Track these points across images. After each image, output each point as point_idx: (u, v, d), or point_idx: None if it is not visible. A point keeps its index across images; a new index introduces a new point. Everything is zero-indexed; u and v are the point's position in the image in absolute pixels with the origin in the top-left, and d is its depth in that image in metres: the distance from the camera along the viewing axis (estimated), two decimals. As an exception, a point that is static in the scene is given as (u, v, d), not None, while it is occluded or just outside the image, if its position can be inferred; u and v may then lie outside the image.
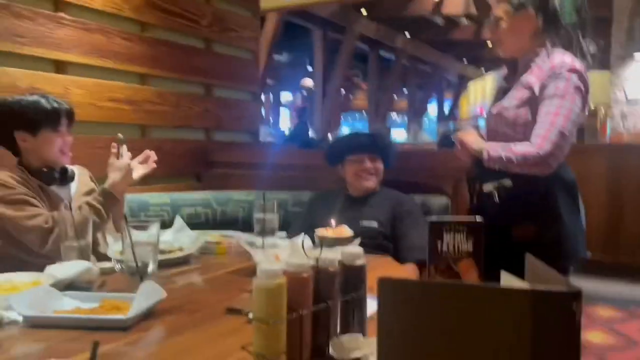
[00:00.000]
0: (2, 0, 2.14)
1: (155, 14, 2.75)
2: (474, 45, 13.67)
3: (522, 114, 1.66)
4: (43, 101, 1.72)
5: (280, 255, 1.48)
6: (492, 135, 1.78)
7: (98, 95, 2.48)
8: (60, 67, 2.34)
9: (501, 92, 1.80)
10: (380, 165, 2.15)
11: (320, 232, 1.66)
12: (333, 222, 1.66)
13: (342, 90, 16.43)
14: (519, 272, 0.67)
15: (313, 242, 1.62)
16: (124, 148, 1.77)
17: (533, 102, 1.65)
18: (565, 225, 1.65)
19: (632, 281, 4.20)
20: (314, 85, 10.39)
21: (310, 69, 12.69)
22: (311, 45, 10.22)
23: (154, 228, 1.38)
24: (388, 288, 0.46)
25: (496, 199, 1.68)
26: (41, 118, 1.71)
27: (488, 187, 1.71)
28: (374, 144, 2.18)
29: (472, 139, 1.77)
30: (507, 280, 0.50)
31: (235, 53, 3.30)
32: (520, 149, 1.61)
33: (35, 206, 1.66)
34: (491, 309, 0.43)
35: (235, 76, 3.28)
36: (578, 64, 1.64)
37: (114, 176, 1.73)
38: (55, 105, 1.74)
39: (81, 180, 1.87)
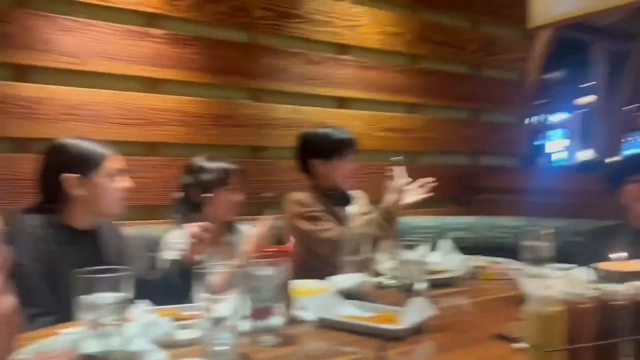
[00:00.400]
0: (297, 50, 2.56)
1: (424, 45, 2.90)
2: None
3: None
4: (335, 133, 2.03)
5: (553, 286, 1.39)
6: None
7: (373, 125, 2.73)
8: (341, 102, 2.66)
9: None
10: None
11: (604, 265, 1.50)
12: (621, 255, 1.48)
13: (626, 107, 14.33)
14: None
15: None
16: (402, 170, 1.89)
17: None
18: None
19: None
20: (594, 102, 9.36)
21: (585, 85, 11.47)
22: (587, 60, 9.25)
23: (424, 248, 1.45)
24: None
25: None
26: (333, 147, 2.00)
27: None
28: None
29: None
30: None
31: (502, 76, 3.24)
32: None
33: (327, 222, 1.92)
34: None
35: (501, 99, 3.21)
36: None
37: (390, 197, 1.88)
38: (344, 136, 2.03)
39: (359, 203, 2.10)
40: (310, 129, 2.10)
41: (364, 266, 1.61)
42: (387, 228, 1.86)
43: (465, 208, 2.96)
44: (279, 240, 1.76)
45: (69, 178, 1.45)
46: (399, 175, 1.90)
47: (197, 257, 1.50)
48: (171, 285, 1.46)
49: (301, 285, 1.46)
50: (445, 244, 1.90)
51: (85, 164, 1.47)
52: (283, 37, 2.52)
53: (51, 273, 1.37)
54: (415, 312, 1.20)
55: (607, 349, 0.82)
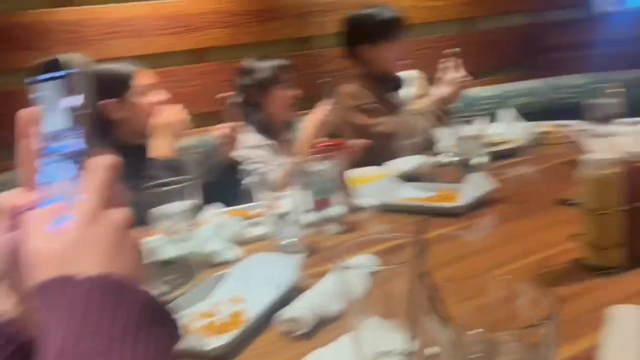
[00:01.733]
0: None
1: None
2: None
3: None
4: (379, 12, 1.90)
5: (621, 145, 1.33)
6: None
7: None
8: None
9: None
10: None
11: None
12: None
13: None
14: None
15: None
16: (457, 62, 1.81)
17: None
18: None
19: None
20: None
21: None
22: None
23: (481, 121, 1.42)
24: None
25: None
26: (378, 29, 1.89)
27: None
28: None
29: None
30: None
31: None
32: None
33: (381, 114, 1.87)
34: None
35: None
36: None
37: (444, 90, 1.81)
38: (389, 15, 1.90)
39: (416, 84, 2.03)
40: (354, 11, 1.98)
41: (422, 147, 1.60)
42: (442, 118, 1.81)
43: (529, 72, 2.79)
44: (334, 131, 1.78)
45: (106, 104, 1.48)
46: (454, 67, 1.81)
47: (233, 156, 1.55)
48: (226, 186, 1.53)
49: (359, 174, 1.50)
50: (507, 113, 1.84)
51: (116, 87, 1.49)
52: None
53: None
54: (475, 187, 1.20)
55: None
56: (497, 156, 1.60)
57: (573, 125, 1.80)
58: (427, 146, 1.65)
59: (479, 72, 2.70)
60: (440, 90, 1.83)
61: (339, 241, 1.10)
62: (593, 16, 3.06)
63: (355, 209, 1.26)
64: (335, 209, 1.17)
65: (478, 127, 1.44)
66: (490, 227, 1.14)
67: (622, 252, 0.79)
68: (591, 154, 0.82)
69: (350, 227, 1.17)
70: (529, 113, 2.29)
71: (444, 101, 1.81)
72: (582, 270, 0.81)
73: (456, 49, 1.81)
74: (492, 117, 2.04)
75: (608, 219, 0.77)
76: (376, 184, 1.33)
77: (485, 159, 1.41)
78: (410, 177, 1.44)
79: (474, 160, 1.39)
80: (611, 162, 0.78)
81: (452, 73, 1.81)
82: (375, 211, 1.26)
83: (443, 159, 1.62)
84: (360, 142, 1.60)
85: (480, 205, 1.19)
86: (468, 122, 1.43)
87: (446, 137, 1.65)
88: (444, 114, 1.81)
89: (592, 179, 0.79)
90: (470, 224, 1.12)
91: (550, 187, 1.31)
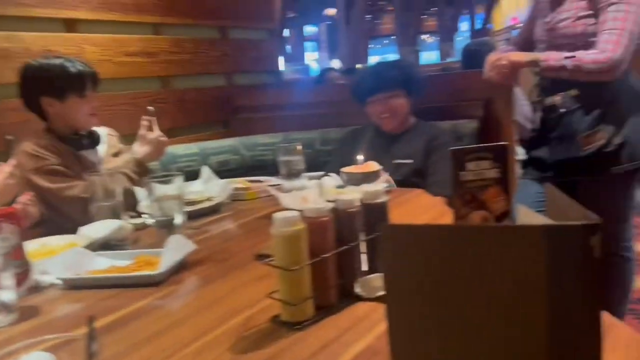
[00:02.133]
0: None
1: (160, -41, 2.65)
2: (503, -49, 12.82)
3: (582, 25, 1.70)
4: (68, 65, 1.68)
5: (308, 197, 1.47)
6: (546, 50, 1.79)
7: (113, 50, 2.45)
8: (71, 25, 2.31)
9: (551, 7, 1.82)
10: (398, 102, 2.02)
11: (348, 169, 1.64)
12: (360, 158, 1.63)
13: (369, 16, 15.86)
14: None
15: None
16: (154, 120, 1.74)
17: (592, 12, 1.68)
18: (633, 128, 1.69)
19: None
20: (337, 14, 10.03)
21: (331, -3, 12.23)
22: (330, -28, 9.79)
23: (178, 180, 1.38)
24: (392, 234, 0.43)
25: (562, 109, 1.74)
26: (67, 84, 1.68)
27: (553, 99, 1.77)
28: (388, 80, 2.02)
29: (519, 55, 1.77)
30: (524, 216, 0.46)
31: (248, -9, 3.18)
32: (590, 56, 1.63)
33: (69, 176, 1.66)
34: (503, 249, 0.40)
35: (251, 14, 3.18)
36: None
37: (145, 149, 1.72)
38: (81, 68, 1.70)
39: (109, 142, 1.87)
40: (34, 61, 1.73)
41: (117, 210, 1.47)
42: (139, 178, 1.69)
43: (226, 130, 2.94)
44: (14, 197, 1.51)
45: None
46: (151, 125, 1.74)
47: None
48: None
49: (41, 245, 1.29)
50: (206, 171, 1.86)
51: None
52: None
53: None
54: (175, 250, 1.14)
55: (347, 253, 0.89)
56: (197, 215, 1.59)
57: (268, 181, 1.93)
58: (124, 208, 1.52)
59: (176, 130, 2.72)
60: (138, 149, 1.74)
61: (10, 335, 0.89)
62: (281, 82, 3.44)
63: (38, 289, 1.06)
64: (5, 294, 0.95)
65: (176, 186, 1.39)
66: (191, 292, 1.09)
67: (310, 305, 0.83)
68: (279, 211, 0.85)
69: (28, 314, 0.97)
70: (227, 170, 2.39)
71: (142, 160, 1.73)
72: (281, 326, 0.83)
73: (151, 107, 1.76)
74: (191, 175, 2.05)
75: (296, 274, 0.81)
76: (62, 257, 1.15)
77: (184, 219, 1.37)
78: (104, 245, 1.30)
79: (174, 221, 1.34)
80: (296, 218, 0.82)
81: (149, 131, 1.74)
82: (61, 289, 1.08)
83: (141, 221, 1.52)
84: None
85: (181, 269, 1.14)
86: (166, 182, 1.37)
87: (144, 198, 1.56)
88: (142, 173, 1.72)
89: (280, 236, 0.81)
90: (171, 292, 1.05)
91: (250, 242, 1.35)
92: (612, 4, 1.63)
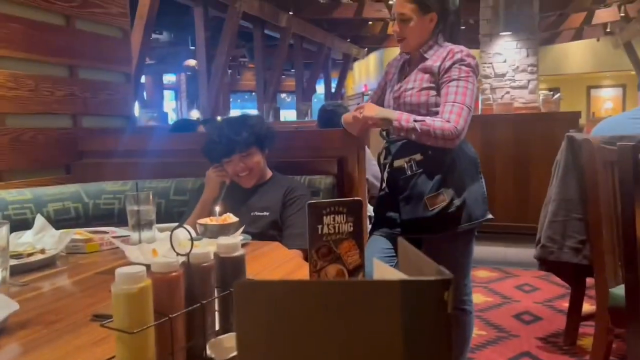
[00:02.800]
0: None
1: (1, -14, 2.42)
2: (356, 24, 14.01)
3: (425, 96, 1.86)
4: None
5: (159, 250, 1.37)
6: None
7: None
8: None
9: (399, 76, 1.99)
10: (254, 159, 2.01)
11: (204, 220, 1.57)
12: (217, 209, 1.58)
13: (229, 71, 16.06)
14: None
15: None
16: None
17: (434, 85, 1.86)
18: (470, 192, 1.86)
19: (505, 244, 4.57)
20: (198, 65, 10.00)
21: (193, 48, 12.20)
22: (193, 23, 9.81)
23: (2, 230, 1.20)
24: (246, 291, 0.40)
25: (408, 172, 1.86)
26: None
27: (399, 162, 1.89)
28: (240, 141, 2.00)
29: (374, 110, 1.89)
30: (380, 270, 0.46)
31: (103, 31, 3.02)
32: (438, 124, 1.78)
33: None
34: (359, 304, 0.38)
35: (104, 56, 3.01)
36: (469, 50, 1.88)
37: None
38: None
39: None
40: None
41: None
42: None
43: (69, 176, 2.68)
44: None
45: None
46: None
47: None
48: None
49: None
50: (39, 220, 1.66)
51: None
52: None
53: None
54: (-8, 311, 0.98)
55: (198, 312, 0.83)
56: (26, 269, 1.40)
57: (113, 232, 1.78)
58: None
59: (9, 173, 2.42)
60: None
61: None
62: (133, 127, 3.27)
63: None
64: None
65: (2, 237, 1.21)
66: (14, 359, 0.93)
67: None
68: (121, 267, 0.76)
69: None
70: (66, 219, 2.17)
71: None
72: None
73: None
74: (22, 225, 1.82)
75: (138, 338, 0.72)
76: None
77: (6, 274, 1.19)
78: None
79: (-6, 278, 1.15)
80: (141, 273, 0.74)
81: None
82: None
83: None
84: None
85: (1, 332, 0.97)
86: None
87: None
88: None
89: (121, 294, 0.73)
90: (-18, 363, 0.88)
91: (87, 302, 1.21)
92: (454, 80, 1.82)
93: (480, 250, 2.04)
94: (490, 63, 7.39)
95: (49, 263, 1.49)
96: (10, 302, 1.02)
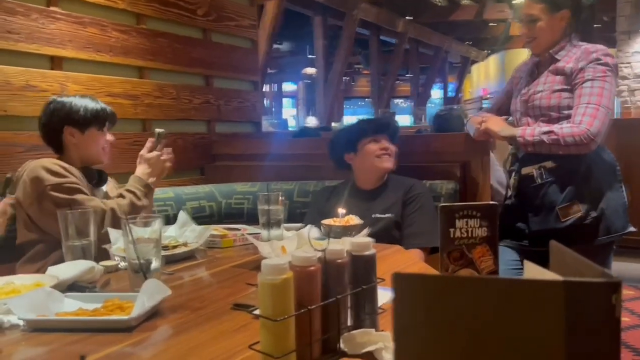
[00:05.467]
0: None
1: (150, 5, 2.69)
2: (476, 26, 13.54)
3: (556, 98, 1.76)
4: (92, 102, 1.83)
5: (287, 247, 1.44)
6: (520, 118, 1.87)
7: (96, 90, 2.44)
8: (55, 62, 2.30)
9: (528, 80, 1.90)
10: (395, 148, 2.08)
11: (328, 222, 1.63)
12: (341, 211, 1.62)
13: (345, 77, 16.33)
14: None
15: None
16: (162, 143, 1.86)
17: (568, 87, 1.75)
18: (608, 202, 1.72)
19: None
20: (316, 73, 10.29)
21: (311, 57, 12.59)
22: (312, 33, 10.12)
23: (156, 224, 1.34)
24: (404, 283, 0.42)
25: (538, 180, 1.77)
26: (91, 117, 1.80)
27: (528, 169, 1.80)
28: (386, 126, 2.12)
29: (497, 126, 1.84)
30: (532, 271, 0.46)
31: (234, 42, 3.24)
32: (567, 130, 1.67)
33: (86, 194, 1.72)
34: (519, 303, 0.39)
35: (235, 66, 3.23)
36: (606, 48, 1.76)
37: (142, 168, 1.82)
38: (102, 106, 1.85)
39: (109, 186, 1.92)
40: (60, 96, 1.84)
41: (89, 250, 1.42)
42: (144, 198, 1.78)
43: (203, 177, 2.91)
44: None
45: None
46: (154, 147, 1.84)
47: None
48: None
49: (8, 283, 1.22)
50: (182, 216, 1.82)
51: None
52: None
53: None
54: (148, 295, 1.09)
55: (334, 306, 0.86)
56: (171, 260, 1.54)
57: (245, 229, 1.90)
58: (94, 249, 1.47)
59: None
60: (140, 168, 1.83)
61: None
62: (260, 133, 3.46)
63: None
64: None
65: (155, 229, 1.35)
66: (165, 340, 1.03)
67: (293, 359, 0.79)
68: (264, 260, 0.82)
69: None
70: (202, 216, 2.35)
71: (140, 177, 1.80)
72: (262, 380, 0.78)
73: (161, 130, 1.87)
74: (166, 220, 2.00)
75: (282, 326, 0.78)
76: (27, 296, 1.09)
77: (158, 264, 1.32)
78: (72, 287, 1.23)
79: (148, 266, 1.29)
80: (285, 266, 0.79)
81: (151, 153, 1.84)
82: (23, 331, 1.01)
83: (113, 263, 1.47)
84: None
85: (154, 315, 1.09)
86: (144, 224, 1.33)
87: (118, 240, 1.51)
88: (144, 191, 1.80)
89: (267, 284, 0.79)
90: (143, 339, 0.99)
91: (226, 291, 1.31)
92: (588, 80, 1.70)
93: (616, 265, 1.87)
94: (629, 63, 6.76)
95: (190, 255, 1.63)
96: (164, 288, 1.13)
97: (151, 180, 1.82)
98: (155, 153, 1.83)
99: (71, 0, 2.36)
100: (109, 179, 1.94)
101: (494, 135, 1.85)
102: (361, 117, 2.42)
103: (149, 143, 1.84)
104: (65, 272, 1.26)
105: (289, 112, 19.34)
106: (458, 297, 0.39)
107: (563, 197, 1.72)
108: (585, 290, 0.36)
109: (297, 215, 2.37)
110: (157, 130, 1.86)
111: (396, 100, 20.78)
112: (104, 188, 1.89)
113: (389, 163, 2.05)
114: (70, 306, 1.11)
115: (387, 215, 1.98)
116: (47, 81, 2.24)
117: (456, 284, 0.39)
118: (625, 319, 3.03)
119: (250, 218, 2.30)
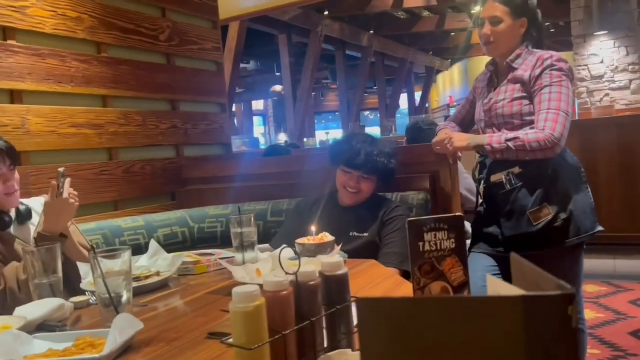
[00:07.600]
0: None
1: (110, 33, 2.67)
2: (437, 36, 13.84)
3: (517, 105, 1.80)
4: None
5: (261, 269, 1.43)
6: (485, 127, 1.91)
7: (58, 121, 2.40)
8: (15, 96, 2.25)
9: (488, 89, 1.95)
10: (367, 186, 2.03)
11: (301, 240, 1.62)
12: (313, 228, 1.62)
13: (313, 93, 16.44)
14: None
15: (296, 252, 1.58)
16: (66, 183, 1.62)
17: (526, 94, 1.80)
18: (575, 203, 1.76)
19: (614, 256, 4.25)
20: (284, 90, 10.34)
21: (279, 74, 12.65)
22: (278, 51, 10.18)
23: (126, 255, 1.31)
24: (366, 308, 0.42)
25: (507, 186, 1.80)
26: None
27: (497, 176, 1.83)
28: (374, 167, 2.00)
29: (464, 141, 1.87)
30: (494, 285, 0.47)
31: (199, 65, 3.24)
32: (532, 136, 1.71)
33: None
34: (480, 320, 0.39)
35: (201, 89, 3.22)
36: (559, 54, 1.81)
37: (49, 218, 1.58)
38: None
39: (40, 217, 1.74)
40: None
41: (57, 287, 1.38)
42: (62, 246, 1.51)
43: (174, 202, 2.88)
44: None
45: None
46: (64, 189, 1.61)
47: None
48: None
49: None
50: (153, 245, 1.79)
51: None
52: None
53: None
54: (119, 330, 1.07)
55: (308, 328, 0.86)
56: (144, 291, 1.52)
57: (218, 254, 1.88)
58: (62, 286, 1.43)
59: (122, 202, 2.63)
60: (46, 218, 1.59)
61: None
62: (230, 154, 3.45)
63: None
64: None
65: (124, 261, 1.33)
66: (139, 375, 1.01)
67: (271, 385, 0.78)
68: (230, 285, 0.81)
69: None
70: (174, 243, 2.32)
71: (42, 232, 1.57)
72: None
73: (61, 170, 1.61)
74: (137, 249, 1.96)
75: (256, 354, 0.77)
76: (-8, 341, 1.05)
77: (130, 296, 1.29)
78: (41, 327, 1.20)
79: (119, 299, 1.26)
80: (257, 292, 0.79)
81: (58, 197, 1.59)
82: (-11, 379, 0.98)
83: (83, 299, 1.43)
84: None
85: (128, 349, 1.06)
86: (113, 256, 1.31)
87: (87, 274, 1.48)
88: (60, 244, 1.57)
89: (239, 312, 0.78)
90: (115, 376, 0.97)
91: (201, 319, 1.29)
92: (546, 86, 1.75)
93: (586, 263, 1.91)
94: (586, 65, 6.99)
95: (163, 284, 1.60)
96: (135, 321, 1.11)
97: (58, 226, 1.59)
98: (62, 197, 1.60)
99: (28, 33, 2.32)
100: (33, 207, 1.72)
101: (464, 150, 1.90)
102: (368, 132, 2.29)
103: (53, 186, 1.60)
104: (33, 312, 1.23)
105: (259, 130, 19.34)
106: (421, 318, 0.40)
107: (533, 200, 1.76)
108: (541, 303, 0.37)
109: (271, 235, 2.36)
110: (59, 169, 1.62)
111: (365, 112, 20.99)
112: (33, 221, 1.69)
113: (347, 199, 2.06)
114: (40, 347, 1.08)
115: (364, 234, 1.98)
116: (7, 115, 2.20)
117: (418, 305, 0.40)
118: (600, 315, 3.09)
119: (225, 241, 2.28)
